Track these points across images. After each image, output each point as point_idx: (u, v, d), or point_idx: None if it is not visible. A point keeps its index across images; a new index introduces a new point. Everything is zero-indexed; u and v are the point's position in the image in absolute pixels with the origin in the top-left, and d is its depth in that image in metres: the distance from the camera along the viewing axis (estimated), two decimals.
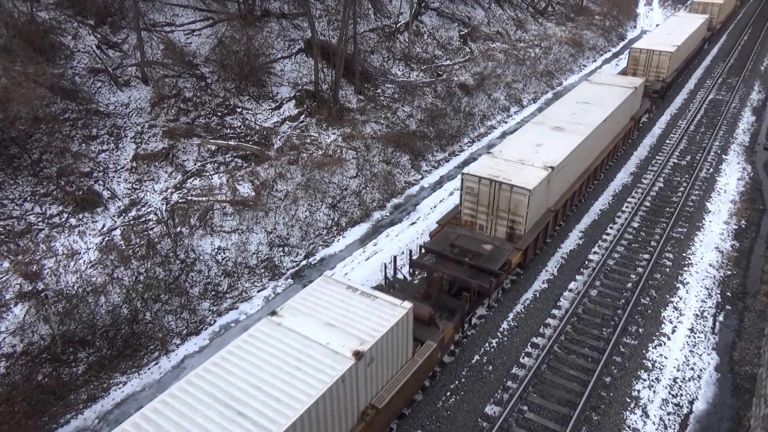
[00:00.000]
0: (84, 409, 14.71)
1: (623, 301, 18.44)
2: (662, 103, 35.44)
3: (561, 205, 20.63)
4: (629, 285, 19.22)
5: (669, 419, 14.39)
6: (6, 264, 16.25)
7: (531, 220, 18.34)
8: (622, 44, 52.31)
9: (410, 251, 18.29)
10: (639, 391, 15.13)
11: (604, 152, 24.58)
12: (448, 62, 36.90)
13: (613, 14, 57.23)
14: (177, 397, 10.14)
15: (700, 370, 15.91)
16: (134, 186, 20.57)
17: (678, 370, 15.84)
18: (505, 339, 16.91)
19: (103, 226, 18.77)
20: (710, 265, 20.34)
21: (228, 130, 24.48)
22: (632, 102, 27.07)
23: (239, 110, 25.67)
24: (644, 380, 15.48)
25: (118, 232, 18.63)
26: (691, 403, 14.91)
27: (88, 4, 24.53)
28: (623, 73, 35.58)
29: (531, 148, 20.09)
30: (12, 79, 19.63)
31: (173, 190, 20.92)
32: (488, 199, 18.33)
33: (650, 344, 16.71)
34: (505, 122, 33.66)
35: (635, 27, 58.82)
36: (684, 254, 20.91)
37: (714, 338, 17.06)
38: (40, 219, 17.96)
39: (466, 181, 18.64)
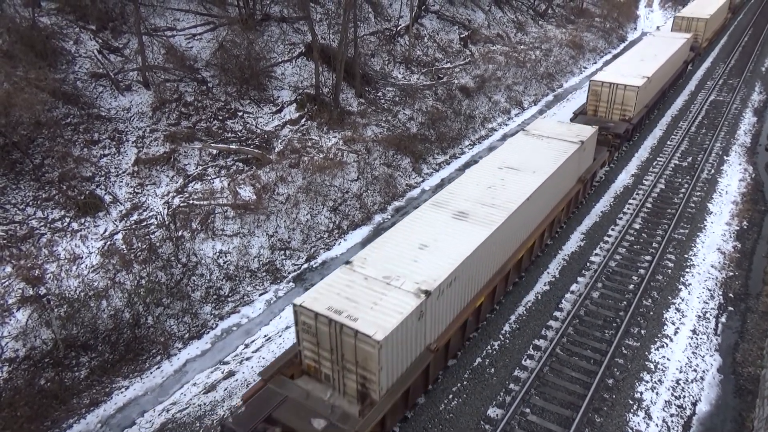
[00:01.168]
0: (86, 413, 14.72)
1: (625, 302, 18.42)
2: (629, 147, 29.66)
3: (447, 338, 14.49)
4: (631, 287, 19.19)
5: (672, 421, 14.36)
6: (8, 269, 16.28)
7: (387, 377, 12.41)
8: (622, 46, 52.35)
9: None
10: (642, 393, 15.10)
11: (531, 237, 18.47)
12: (448, 65, 36.95)
13: (614, 16, 57.30)
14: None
15: (703, 371, 15.88)
16: (136, 190, 20.61)
17: (681, 372, 15.80)
18: (507, 341, 16.89)
19: (105, 230, 18.80)
20: (712, 266, 20.31)
21: (229, 134, 24.53)
22: (579, 160, 21.17)
23: (240, 114, 25.72)
24: (647, 382, 15.44)
25: (119, 236, 18.66)
26: (694, 404, 14.88)
27: (90, 10, 24.63)
28: (581, 111, 30.14)
29: (411, 252, 14.28)
30: (14, 84, 19.70)
31: (175, 194, 20.96)
32: (329, 343, 12.55)
33: (653, 346, 16.68)
34: (506, 124, 33.68)
35: (635, 29, 58.86)
36: (686, 255, 20.88)
37: (716, 339, 17.03)
38: (42, 223, 18.00)
39: (301, 315, 12.68)
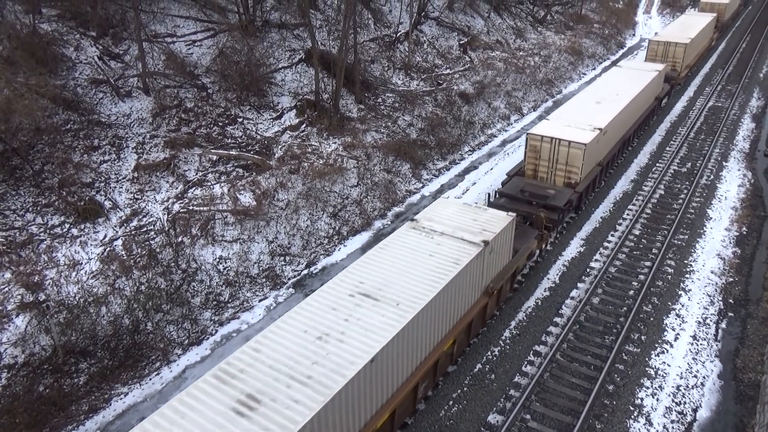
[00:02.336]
0: (85, 420, 14.66)
1: (625, 308, 18.41)
2: (571, 222, 23.72)
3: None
4: (631, 292, 19.19)
5: (673, 427, 14.32)
6: (8, 275, 16.26)
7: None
8: (621, 52, 52.54)
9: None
10: (642, 399, 15.06)
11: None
12: (448, 71, 37.06)
13: (612, 23, 57.52)
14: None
15: (704, 377, 15.85)
16: (136, 196, 20.61)
17: (681, 378, 15.78)
18: (507, 347, 16.87)
19: (105, 236, 18.79)
20: (712, 272, 20.31)
21: (229, 140, 24.57)
22: (483, 265, 15.77)
23: (240, 120, 25.77)
24: (647, 388, 15.41)
25: (119, 242, 18.65)
26: (695, 410, 14.84)
27: (90, 16, 24.72)
28: (518, 171, 24.03)
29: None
30: (14, 91, 19.74)
31: (174, 200, 20.96)
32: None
33: (653, 352, 16.66)
34: (506, 130, 33.74)
35: (634, 35, 59.08)
36: (685, 261, 20.88)
37: (717, 345, 17.01)
38: (41, 229, 17.99)
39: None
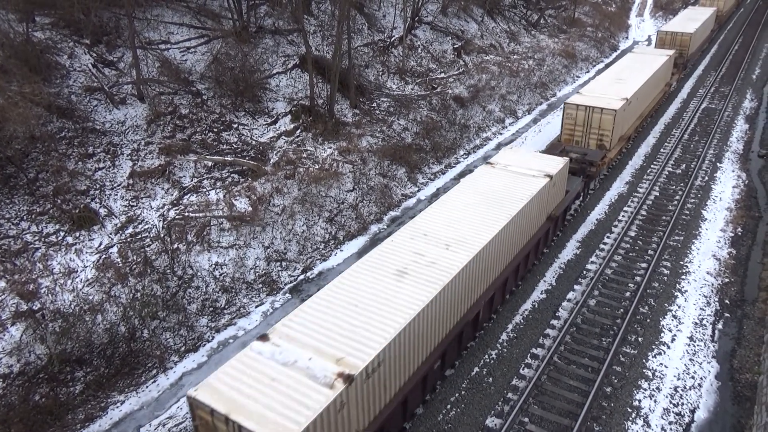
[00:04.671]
0: (82, 429, 14.57)
1: (622, 310, 18.43)
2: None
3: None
4: (628, 294, 19.22)
5: (671, 429, 14.32)
6: (2, 283, 16.17)
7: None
8: (614, 55, 52.78)
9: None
10: (640, 401, 15.07)
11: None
12: (442, 75, 37.15)
13: (605, 26, 57.82)
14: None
15: (701, 378, 15.87)
16: (131, 203, 20.56)
17: (678, 379, 15.79)
18: (505, 350, 16.86)
19: (100, 243, 18.72)
20: (708, 273, 20.37)
21: (224, 146, 24.55)
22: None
23: (235, 126, 25.75)
24: (645, 389, 15.42)
25: (114, 249, 18.58)
26: (693, 411, 14.86)
27: (84, 24, 24.69)
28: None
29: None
30: (8, 99, 19.69)
31: (170, 206, 20.91)
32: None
33: (650, 353, 16.68)
34: (501, 134, 33.83)
35: (627, 38, 59.38)
36: (681, 262, 20.94)
37: (713, 346, 17.04)
38: (36, 238, 17.92)
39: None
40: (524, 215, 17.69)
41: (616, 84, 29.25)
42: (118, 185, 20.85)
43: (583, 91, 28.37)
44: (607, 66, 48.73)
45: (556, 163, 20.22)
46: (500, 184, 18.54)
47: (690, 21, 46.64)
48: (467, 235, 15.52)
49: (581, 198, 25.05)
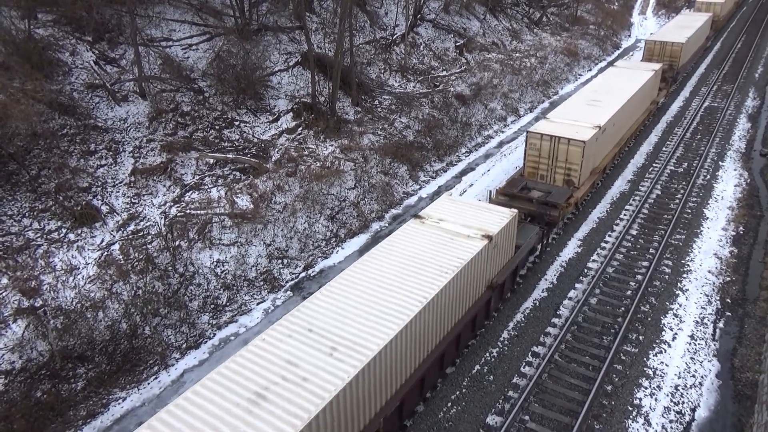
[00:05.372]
0: (83, 425, 14.62)
1: (623, 308, 18.43)
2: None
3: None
4: (629, 293, 19.21)
5: (671, 427, 14.33)
6: (4, 280, 16.22)
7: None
8: (617, 53, 52.69)
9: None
10: (641, 399, 15.07)
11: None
12: (444, 73, 37.12)
13: (608, 24, 57.69)
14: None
15: (702, 377, 15.87)
16: (132, 200, 20.58)
17: (679, 378, 15.79)
18: (506, 348, 16.87)
19: (102, 240, 18.76)
20: (709, 271, 20.34)
21: (226, 144, 24.56)
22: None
23: (237, 123, 25.76)
24: (646, 388, 15.42)
25: (116, 246, 18.62)
26: (693, 410, 14.86)
27: (86, 21, 24.69)
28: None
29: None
30: (10, 96, 19.71)
31: (172, 203, 20.94)
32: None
33: (651, 352, 16.68)
34: (502, 132, 33.80)
35: (629, 36, 59.26)
36: (683, 261, 20.92)
37: (714, 345, 17.03)
38: (38, 235, 17.95)
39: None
40: (452, 288, 14.10)
41: (589, 107, 25.16)
42: (120, 182, 20.88)
43: (551, 116, 24.29)
44: (610, 64, 48.67)
45: (500, 218, 16.46)
46: (427, 248, 14.95)
47: (682, 29, 42.99)
48: (364, 330, 11.95)
49: (539, 252, 21.10)
